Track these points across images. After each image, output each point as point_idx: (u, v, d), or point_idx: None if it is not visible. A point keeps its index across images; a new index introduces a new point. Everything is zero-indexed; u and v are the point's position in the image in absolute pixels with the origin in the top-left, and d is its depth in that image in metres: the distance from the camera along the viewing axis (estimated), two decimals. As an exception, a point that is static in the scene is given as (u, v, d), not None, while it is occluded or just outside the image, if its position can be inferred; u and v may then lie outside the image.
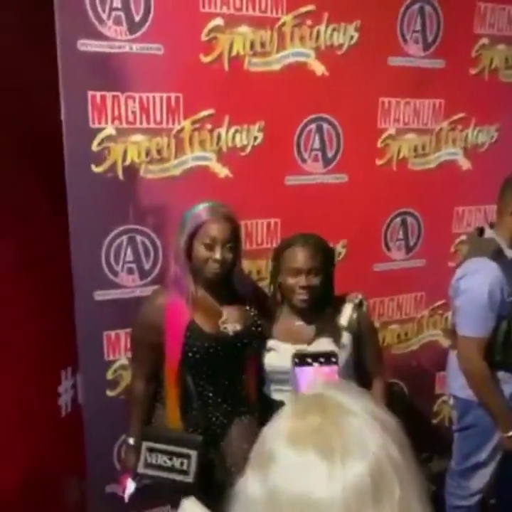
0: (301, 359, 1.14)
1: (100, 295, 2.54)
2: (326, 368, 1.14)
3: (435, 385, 3.45)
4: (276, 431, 0.80)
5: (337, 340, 2.35)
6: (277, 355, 2.38)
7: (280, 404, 2.39)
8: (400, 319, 3.27)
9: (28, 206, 2.32)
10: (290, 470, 0.74)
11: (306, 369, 1.14)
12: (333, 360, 1.13)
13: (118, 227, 2.51)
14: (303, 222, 2.61)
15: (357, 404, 0.79)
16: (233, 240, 2.22)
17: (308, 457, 0.73)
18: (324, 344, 2.34)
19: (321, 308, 2.38)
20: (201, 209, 2.20)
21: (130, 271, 2.58)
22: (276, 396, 2.46)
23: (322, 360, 1.14)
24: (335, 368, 1.14)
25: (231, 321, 2.30)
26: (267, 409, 2.46)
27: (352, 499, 0.70)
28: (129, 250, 2.55)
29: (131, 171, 2.47)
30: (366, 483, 0.71)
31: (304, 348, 2.34)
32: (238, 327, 2.30)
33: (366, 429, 0.75)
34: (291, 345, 2.35)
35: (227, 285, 2.32)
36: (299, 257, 2.29)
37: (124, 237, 2.53)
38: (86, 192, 2.41)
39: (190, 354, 2.22)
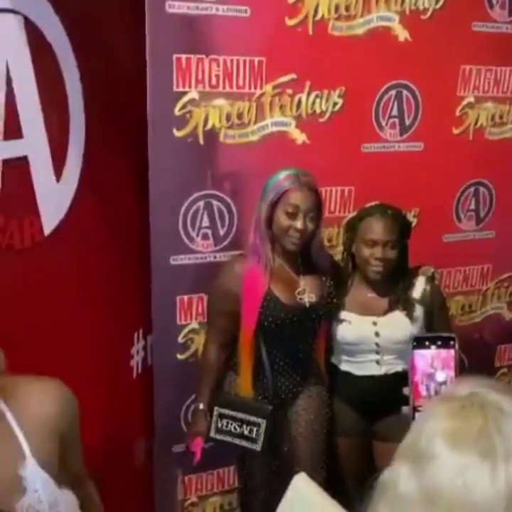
0: (420, 342, 1.15)
1: (176, 260, 2.57)
2: (443, 352, 1.14)
3: (495, 357, 3.45)
4: (435, 429, 0.81)
5: (410, 313, 2.36)
6: (350, 326, 2.40)
7: (348, 375, 2.45)
8: (465, 291, 3.26)
9: (110, 168, 2.33)
10: (451, 470, 0.76)
11: (424, 352, 1.14)
12: (452, 343, 1.14)
13: (196, 192, 2.52)
14: (377, 191, 2.61)
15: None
16: (315, 210, 2.21)
17: (471, 458, 0.75)
18: (397, 317, 2.36)
19: (394, 281, 2.39)
20: (284, 177, 2.19)
21: (205, 236, 2.60)
22: (345, 367, 2.50)
23: (439, 342, 1.15)
24: (452, 351, 1.14)
25: (308, 291, 2.31)
26: (334, 379, 2.51)
27: (511, 499, 0.72)
28: (205, 216, 2.57)
29: (211, 135, 2.47)
30: None
31: (376, 320, 2.36)
32: (314, 298, 2.32)
33: None
34: (363, 317, 2.37)
35: (305, 255, 2.33)
36: (377, 228, 2.29)
37: (201, 203, 2.54)
38: (166, 156, 2.42)
39: (265, 323, 2.24)
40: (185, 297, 2.65)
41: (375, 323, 2.38)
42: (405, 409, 1.25)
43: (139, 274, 2.55)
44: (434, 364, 1.14)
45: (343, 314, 2.42)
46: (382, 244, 2.28)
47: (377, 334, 2.36)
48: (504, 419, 0.77)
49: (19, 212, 1.95)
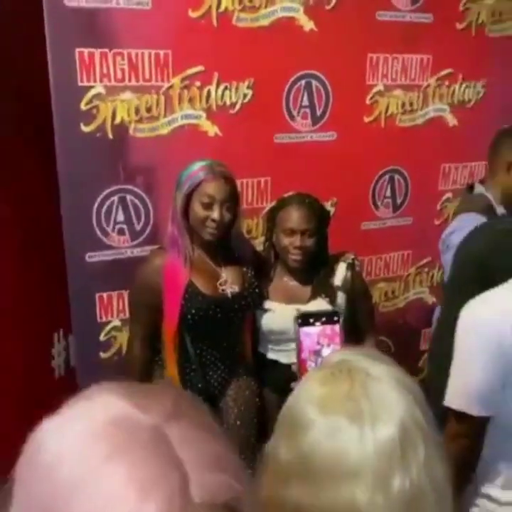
0: (304, 319, 1.18)
1: (92, 257, 2.56)
2: (328, 327, 1.17)
3: (420, 341, 3.54)
4: (305, 397, 0.84)
5: (333, 300, 2.40)
6: (274, 315, 2.42)
7: (275, 363, 2.47)
8: (387, 277, 3.34)
9: (18, 168, 2.32)
10: (322, 435, 0.79)
11: (310, 329, 1.17)
12: (335, 318, 1.17)
13: (108, 187, 2.52)
14: (293, 181, 2.66)
15: (381, 369, 0.84)
16: (231, 200, 2.23)
17: (340, 423, 0.78)
18: (320, 304, 2.39)
19: (315, 269, 2.43)
20: (198, 167, 2.21)
21: (121, 232, 2.60)
22: (272, 356, 2.52)
23: (324, 319, 1.18)
24: (337, 326, 1.17)
25: (229, 282, 2.33)
26: (262, 368, 2.53)
27: (382, 461, 0.76)
28: (119, 211, 2.57)
29: (120, 130, 2.48)
30: (394, 445, 0.76)
31: (300, 308, 2.39)
32: (237, 289, 2.33)
33: (391, 393, 0.80)
34: (287, 305, 2.40)
35: (225, 246, 2.35)
36: (294, 217, 2.33)
37: (115, 198, 2.55)
38: (76, 152, 2.42)
39: (189, 316, 2.25)
40: (105, 294, 2.64)
41: (298, 311, 2.41)
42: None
43: (55, 272, 2.54)
44: (321, 340, 1.17)
45: (267, 304, 2.44)
46: (300, 232, 2.31)
47: None
48: (371, 383, 0.81)
49: None
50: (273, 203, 2.56)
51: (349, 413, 0.78)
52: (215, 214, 2.18)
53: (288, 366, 2.47)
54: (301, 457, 0.80)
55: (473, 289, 1.61)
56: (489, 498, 1.64)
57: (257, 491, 0.83)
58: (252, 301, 2.39)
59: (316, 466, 0.77)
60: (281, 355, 2.49)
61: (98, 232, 2.55)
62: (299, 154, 2.86)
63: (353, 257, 2.47)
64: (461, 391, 1.55)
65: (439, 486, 0.79)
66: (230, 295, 2.31)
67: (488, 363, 1.49)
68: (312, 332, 1.17)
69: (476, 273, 1.90)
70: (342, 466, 0.76)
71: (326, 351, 1.15)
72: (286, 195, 2.44)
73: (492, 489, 1.63)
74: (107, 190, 2.52)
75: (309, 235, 2.33)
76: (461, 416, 1.53)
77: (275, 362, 2.51)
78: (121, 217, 2.58)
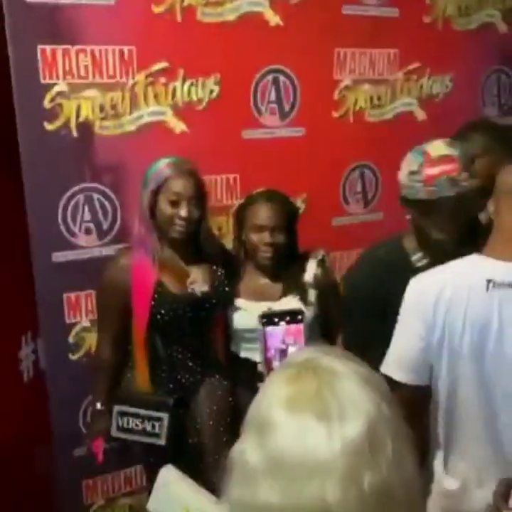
0: (268, 319, 1.18)
1: (58, 256, 2.54)
2: (292, 327, 1.18)
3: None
4: (271, 397, 0.85)
5: (304, 297, 2.40)
6: (245, 314, 2.42)
7: (248, 362, 2.46)
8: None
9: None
10: (290, 435, 0.79)
11: (274, 329, 1.18)
12: (299, 317, 1.18)
13: (74, 186, 2.51)
14: (262, 177, 2.66)
15: (346, 366, 0.85)
16: (198, 196, 2.22)
17: (307, 422, 0.78)
18: (291, 302, 2.39)
19: (285, 266, 2.43)
20: (163, 165, 2.20)
21: (88, 231, 2.59)
22: (244, 354, 2.51)
23: (288, 318, 1.18)
24: (301, 326, 1.18)
25: (199, 281, 2.32)
26: (235, 367, 2.52)
27: (351, 458, 0.76)
28: (86, 209, 2.56)
29: (85, 127, 2.47)
30: (363, 442, 0.77)
31: (271, 305, 2.39)
32: (206, 287, 2.32)
33: (358, 389, 0.81)
34: (258, 303, 2.39)
35: (193, 244, 2.34)
36: (263, 213, 2.33)
37: (81, 196, 2.53)
38: (40, 151, 2.40)
39: (158, 316, 2.23)
40: (73, 295, 2.62)
41: (269, 309, 2.40)
42: None
43: (21, 273, 2.51)
44: (286, 339, 1.17)
45: (238, 302, 2.43)
46: (269, 229, 2.31)
47: None
48: (337, 381, 0.82)
49: None
50: (242, 200, 2.56)
51: (316, 412, 0.79)
52: (183, 211, 2.17)
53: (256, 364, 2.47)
54: (269, 458, 0.80)
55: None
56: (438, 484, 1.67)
57: (225, 495, 0.84)
58: (221, 299, 2.38)
59: (285, 466, 0.78)
60: (254, 353, 2.47)
61: (64, 232, 2.54)
62: (268, 150, 2.86)
63: (323, 253, 2.48)
64: (391, 358, 1.64)
65: (409, 481, 0.80)
66: (199, 294, 2.30)
67: (414, 332, 1.62)
68: (277, 331, 1.18)
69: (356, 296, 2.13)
70: (311, 465, 0.76)
71: (291, 350, 1.16)
72: (254, 192, 2.44)
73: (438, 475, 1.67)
74: (73, 189, 2.51)
75: (279, 231, 2.33)
76: (394, 383, 1.58)
77: (247, 360, 2.50)
78: (87, 216, 2.57)
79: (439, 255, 1.80)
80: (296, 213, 2.49)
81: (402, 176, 2.01)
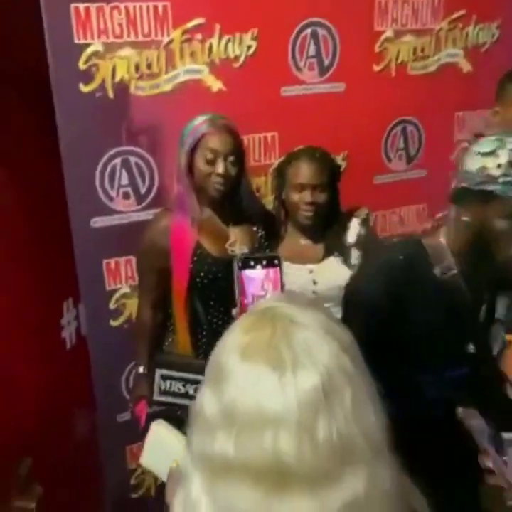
0: (244, 262, 1.14)
1: (97, 222, 2.54)
2: (270, 271, 1.14)
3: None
4: (228, 346, 0.84)
5: (346, 258, 2.37)
6: (285, 277, 2.39)
7: None
8: (402, 233, 3.30)
9: (18, 134, 2.28)
10: (243, 384, 0.79)
11: (252, 273, 1.14)
12: (276, 262, 1.14)
13: (111, 149, 2.50)
14: (301, 135, 2.62)
15: (307, 315, 0.83)
16: (235, 153, 2.19)
17: (260, 371, 0.78)
18: (333, 263, 2.37)
19: (327, 226, 2.40)
20: (200, 122, 2.18)
21: (126, 195, 2.58)
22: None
23: (265, 262, 1.15)
24: (278, 269, 1.14)
25: (239, 243, 2.30)
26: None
27: (305, 409, 0.75)
28: (123, 173, 2.55)
29: (121, 88, 2.44)
30: (317, 393, 0.76)
31: (312, 268, 2.37)
32: (246, 249, 2.30)
33: (316, 340, 0.80)
34: (298, 265, 2.37)
35: (233, 204, 2.31)
36: (305, 171, 2.29)
37: (118, 160, 2.52)
38: (75, 114, 2.38)
39: (197, 279, 2.22)
40: (112, 261, 2.63)
41: (311, 271, 2.38)
42: None
43: (61, 240, 2.52)
44: (265, 285, 1.14)
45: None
46: (311, 188, 2.28)
47: (314, 282, 2.37)
48: (294, 329, 0.80)
49: None
50: (281, 158, 2.53)
51: (270, 361, 0.78)
52: (220, 169, 2.14)
53: None
54: (224, 408, 0.79)
55: None
56: None
57: (188, 447, 0.85)
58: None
59: (239, 416, 0.77)
60: None
61: (102, 197, 2.53)
62: (307, 107, 2.81)
63: (366, 212, 2.43)
64: None
65: (372, 434, 0.78)
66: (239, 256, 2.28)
67: None
68: (256, 276, 1.14)
69: None
70: (264, 416, 0.76)
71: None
72: (295, 149, 2.40)
73: None
74: (110, 153, 2.50)
75: (320, 189, 2.30)
76: None
77: None
78: (125, 180, 2.56)
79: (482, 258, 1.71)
80: (338, 171, 2.45)
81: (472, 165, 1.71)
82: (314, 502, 0.75)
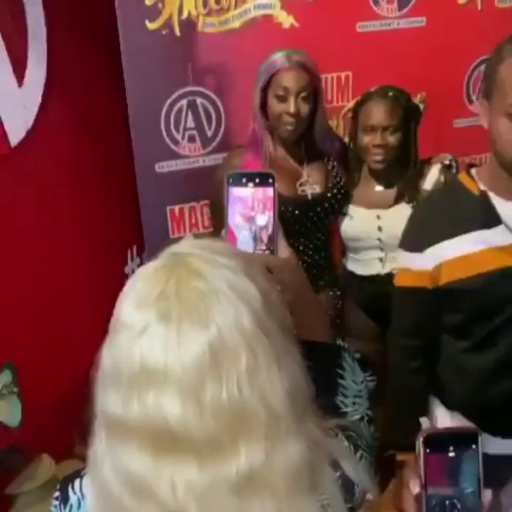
0: (235, 179, 1.08)
1: (162, 166, 2.56)
2: (260, 190, 1.08)
3: None
4: (125, 293, 0.80)
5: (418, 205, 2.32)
6: (351, 221, 2.38)
7: (353, 275, 2.43)
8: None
9: (80, 69, 2.28)
10: (129, 337, 0.75)
11: (241, 190, 1.07)
12: (270, 180, 1.08)
13: (177, 90, 2.51)
14: (377, 75, 2.56)
15: (214, 269, 0.78)
16: (308, 90, 2.16)
17: (147, 323, 0.74)
18: (403, 210, 2.32)
19: (401, 171, 2.35)
20: (274, 58, 2.17)
21: (191, 139, 2.59)
22: (350, 266, 2.49)
23: (258, 180, 1.08)
24: (271, 189, 1.08)
25: (311, 182, 2.29)
26: (346, 280, 2.51)
27: (190, 369, 0.72)
28: (189, 116, 2.54)
29: (188, 25, 2.44)
30: (203, 352, 0.72)
31: (380, 214, 2.34)
32: (318, 189, 2.29)
33: (213, 295, 0.75)
34: (367, 210, 2.35)
35: (308, 142, 2.29)
36: (375, 112, 2.25)
37: (184, 101, 2.53)
38: (141, 52, 2.40)
39: None
40: (176, 208, 2.65)
41: (378, 217, 2.36)
42: None
43: (126, 186, 2.54)
44: (255, 205, 1.08)
45: (349, 208, 2.39)
46: (381, 129, 2.24)
47: (379, 229, 2.35)
48: (191, 281, 0.76)
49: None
50: (355, 100, 2.47)
51: (159, 313, 0.74)
52: (291, 107, 2.13)
53: (364, 278, 2.45)
54: (113, 363, 0.77)
55: None
56: None
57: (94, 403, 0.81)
58: (335, 204, 2.34)
59: (124, 372, 0.75)
60: (358, 265, 2.46)
61: (167, 140, 2.54)
62: (384, 44, 2.75)
63: (450, 158, 2.36)
64: None
65: (275, 404, 0.75)
66: (309, 196, 2.28)
67: None
68: (245, 195, 1.06)
69: None
70: (148, 373, 0.73)
71: (260, 219, 1.06)
72: (372, 89, 2.34)
73: None
74: (176, 93, 2.50)
75: (392, 131, 2.25)
76: None
77: (352, 273, 2.48)
78: (191, 122, 2.56)
79: None
80: (415, 111, 2.38)
81: None
82: (204, 471, 0.73)
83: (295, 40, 2.51)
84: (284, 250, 1.04)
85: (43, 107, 2.11)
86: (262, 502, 0.74)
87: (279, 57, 2.15)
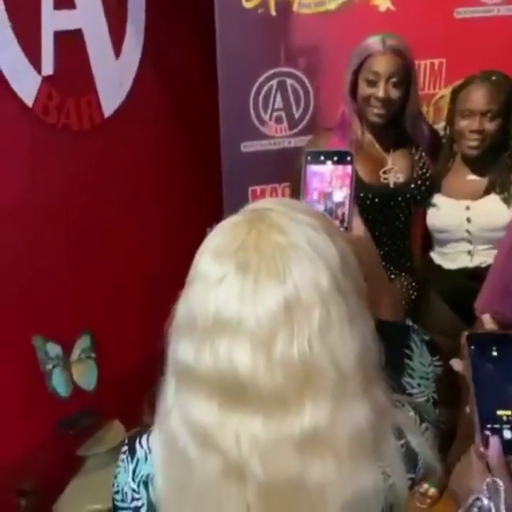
0: (313, 156, 1.09)
1: (247, 146, 2.61)
2: (340, 167, 1.09)
3: None
4: (204, 245, 0.83)
5: (509, 197, 2.30)
6: (438, 212, 2.37)
7: (440, 269, 2.42)
8: None
9: (175, 44, 2.35)
10: (206, 286, 0.78)
11: (319, 167, 1.09)
12: (349, 158, 1.09)
13: (268, 70, 2.56)
14: (472, 63, 2.54)
15: (295, 225, 0.80)
16: (400, 75, 2.18)
17: (224, 273, 0.76)
18: (493, 201, 2.31)
19: (496, 160, 2.32)
20: (368, 42, 2.20)
21: (278, 119, 2.65)
22: (437, 260, 2.49)
23: (336, 158, 1.09)
24: (349, 167, 1.09)
25: (395, 171, 2.31)
26: (431, 273, 2.51)
27: (262, 320, 0.73)
28: (278, 96, 2.59)
29: (284, 5, 2.49)
30: (277, 305, 0.74)
31: (469, 205, 2.33)
32: (401, 179, 2.31)
33: (293, 252, 0.77)
34: (456, 201, 2.34)
35: (396, 129, 2.32)
36: (474, 96, 2.23)
37: (274, 82, 2.58)
38: (235, 30, 2.47)
39: None
40: (258, 188, 2.71)
41: (468, 208, 2.34)
42: None
43: (209, 164, 2.61)
44: (333, 182, 1.10)
45: (435, 198, 2.39)
46: (479, 114, 2.22)
47: (468, 220, 2.33)
48: (271, 235, 0.78)
49: (75, 90, 1.99)
50: (449, 87, 2.47)
51: (237, 264, 0.76)
52: (380, 92, 2.16)
53: (451, 272, 2.44)
54: (188, 311, 0.79)
55: None
56: None
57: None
58: (419, 194, 2.35)
59: (198, 321, 0.77)
60: (445, 259, 2.45)
61: (254, 119, 2.60)
62: (484, 31, 2.72)
63: None
64: None
65: (344, 364, 0.76)
66: (392, 185, 2.30)
67: None
68: (322, 171, 1.08)
69: None
70: (222, 322, 0.75)
71: (337, 194, 1.08)
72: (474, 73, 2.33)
73: None
74: (267, 73, 2.56)
75: (491, 117, 2.22)
76: None
77: (439, 267, 2.48)
78: (279, 103, 2.62)
79: None
80: None
81: None
82: (268, 426, 0.74)
83: (390, 24, 2.53)
84: (358, 227, 1.07)
85: (136, 80, 2.19)
86: (324, 462, 0.75)
87: (373, 41, 2.18)
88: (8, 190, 1.90)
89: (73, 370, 2.28)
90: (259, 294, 0.74)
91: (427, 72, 2.75)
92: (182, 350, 0.79)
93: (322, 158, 1.09)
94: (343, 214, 1.06)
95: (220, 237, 0.82)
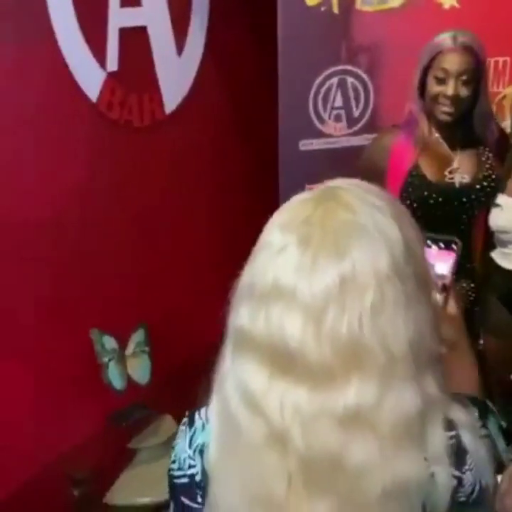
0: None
1: (305, 144, 2.62)
2: (445, 252, 1.12)
3: None
4: (272, 219, 0.84)
5: None
6: (500, 212, 2.34)
7: (500, 269, 2.39)
8: None
9: (237, 41, 2.37)
10: (269, 255, 0.79)
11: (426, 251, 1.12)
12: (454, 246, 1.11)
13: (329, 67, 2.56)
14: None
15: (363, 206, 0.80)
16: (470, 73, 2.15)
17: (286, 244, 0.77)
18: None
19: None
20: (439, 39, 2.17)
21: (338, 118, 2.65)
22: (498, 260, 2.45)
23: (442, 244, 1.12)
24: (454, 254, 1.12)
25: (461, 170, 2.29)
26: (492, 274, 2.48)
27: (316, 293, 0.74)
28: (338, 94, 2.59)
29: (347, 3, 2.49)
30: (333, 283, 0.74)
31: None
32: (467, 178, 2.29)
33: (356, 231, 0.77)
34: None
35: (464, 128, 2.29)
36: None
37: (334, 80, 2.58)
38: (297, 27, 2.48)
39: (407, 202, 2.23)
40: (315, 187, 2.69)
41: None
42: None
43: (267, 162, 2.63)
44: (436, 267, 1.12)
45: (499, 198, 2.36)
46: None
47: None
48: (337, 213, 0.79)
49: (138, 87, 2.03)
50: (509, 87, 2.44)
51: (299, 237, 0.77)
52: (449, 89, 2.13)
53: (509, 272, 2.41)
54: (250, 277, 0.81)
55: None
56: None
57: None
58: (484, 195, 2.32)
59: (257, 287, 0.79)
60: (507, 259, 2.42)
61: (313, 118, 2.60)
62: (551, 30, 2.67)
63: None
64: None
65: (393, 347, 0.76)
66: (457, 185, 2.28)
67: None
68: (428, 252, 1.11)
69: None
70: (277, 290, 0.76)
71: (439, 267, 1.10)
72: None
73: None
74: (327, 71, 2.56)
75: None
76: None
77: (499, 268, 2.45)
78: (339, 101, 2.61)
79: None
80: None
81: None
82: (313, 397, 0.75)
83: (454, 22, 2.51)
84: (453, 307, 1.07)
85: (198, 77, 2.22)
86: (365, 442, 0.75)
87: (444, 38, 2.16)
88: (70, 183, 1.94)
89: (128, 364, 2.33)
90: (317, 268, 0.75)
91: (490, 71, 2.71)
92: (240, 314, 0.81)
93: (429, 242, 1.13)
94: (443, 285, 1.07)
95: (288, 211, 0.83)
